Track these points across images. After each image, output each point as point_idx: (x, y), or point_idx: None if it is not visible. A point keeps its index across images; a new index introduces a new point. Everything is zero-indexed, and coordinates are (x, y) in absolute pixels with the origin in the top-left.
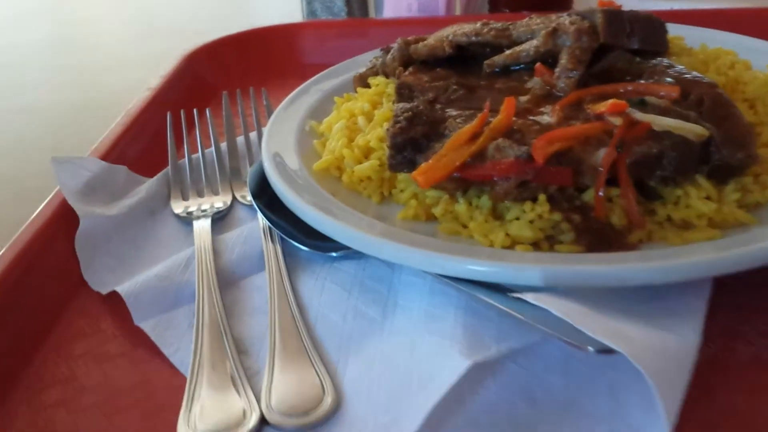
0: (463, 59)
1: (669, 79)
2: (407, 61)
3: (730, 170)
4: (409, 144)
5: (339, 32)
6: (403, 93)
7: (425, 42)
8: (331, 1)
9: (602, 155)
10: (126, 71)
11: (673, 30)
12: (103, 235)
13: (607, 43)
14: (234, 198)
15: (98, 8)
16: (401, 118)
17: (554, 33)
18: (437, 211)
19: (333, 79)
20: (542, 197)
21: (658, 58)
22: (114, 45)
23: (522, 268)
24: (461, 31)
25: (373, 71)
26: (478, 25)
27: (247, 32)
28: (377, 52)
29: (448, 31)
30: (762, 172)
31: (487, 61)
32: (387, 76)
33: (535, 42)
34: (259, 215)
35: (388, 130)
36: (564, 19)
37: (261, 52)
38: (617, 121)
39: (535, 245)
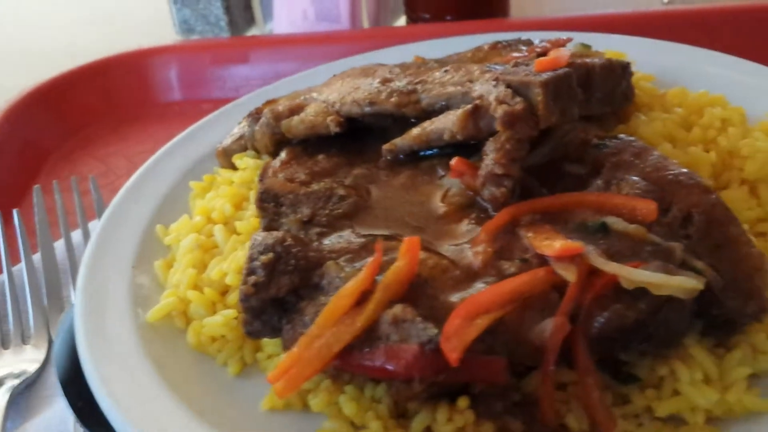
0: (357, 132)
1: (637, 179)
2: (281, 139)
3: (732, 325)
4: (271, 306)
5: (213, 56)
6: (267, 208)
7: (303, 116)
8: (207, 7)
9: (549, 329)
10: None
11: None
12: None
13: (554, 125)
14: (51, 344)
15: None
16: (258, 263)
17: (474, 114)
18: (315, 403)
19: (194, 145)
20: (463, 400)
21: (622, 136)
22: None
23: None
24: (351, 97)
25: (241, 144)
26: (375, 84)
27: (83, 68)
28: (247, 99)
29: (336, 93)
30: None
31: (385, 147)
32: (258, 151)
33: (450, 123)
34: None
35: (242, 285)
36: (488, 88)
37: (104, 92)
38: (569, 273)
39: None
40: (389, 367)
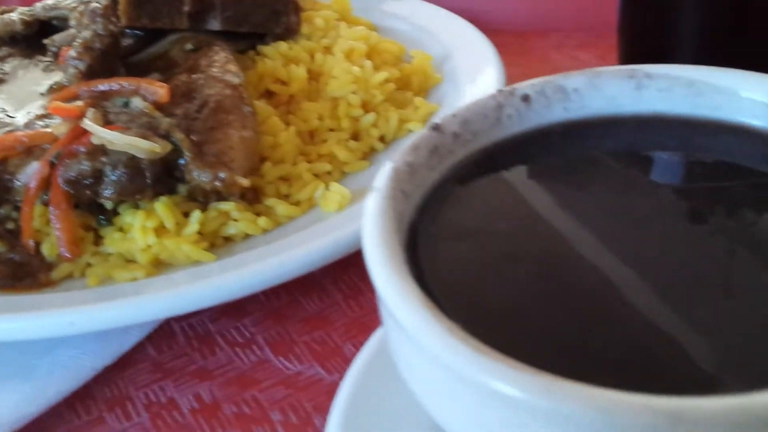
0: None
1: (192, 76)
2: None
3: (212, 193)
4: None
5: None
6: None
7: (6, 16)
8: None
9: (32, 171)
10: None
11: None
12: None
13: (141, 26)
14: None
15: None
16: None
17: (88, 11)
18: None
19: None
20: None
21: (217, 46)
22: None
23: None
24: (43, 2)
25: None
26: None
27: None
28: None
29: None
30: (260, 195)
31: (45, 40)
32: None
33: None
34: None
35: None
36: None
37: None
38: (57, 129)
39: None
40: None
